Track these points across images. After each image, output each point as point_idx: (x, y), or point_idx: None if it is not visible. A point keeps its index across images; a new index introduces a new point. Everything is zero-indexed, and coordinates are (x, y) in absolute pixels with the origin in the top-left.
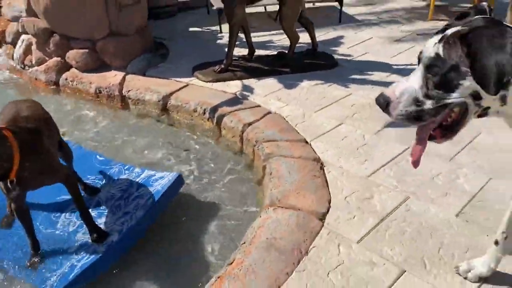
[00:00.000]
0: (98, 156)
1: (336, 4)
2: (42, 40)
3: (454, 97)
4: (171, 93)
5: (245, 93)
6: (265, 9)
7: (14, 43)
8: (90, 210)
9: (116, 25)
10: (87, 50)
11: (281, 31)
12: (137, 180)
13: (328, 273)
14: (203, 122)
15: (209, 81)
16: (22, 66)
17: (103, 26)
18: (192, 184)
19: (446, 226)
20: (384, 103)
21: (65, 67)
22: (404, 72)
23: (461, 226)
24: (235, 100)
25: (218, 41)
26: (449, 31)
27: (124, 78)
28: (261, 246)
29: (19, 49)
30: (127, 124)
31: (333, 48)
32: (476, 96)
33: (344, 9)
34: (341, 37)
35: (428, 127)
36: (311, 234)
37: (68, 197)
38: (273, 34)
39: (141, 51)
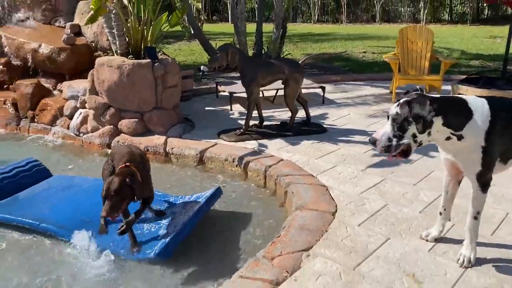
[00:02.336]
0: (158, 192)
1: (319, 90)
2: (99, 112)
3: (406, 138)
4: (206, 149)
5: (261, 148)
6: (263, 94)
7: (70, 116)
8: (158, 224)
9: (160, 101)
10: (136, 120)
11: (278, 109)
12: (189, 200)
13: (342, 240)
14: (232, 168)
15: (232, 141)
16: (77, 133)
17: (151, 102)
18: (229, 206)
19: (414, 217)
20: (373, 141)
21: (117, 132)
22: None
23: (422, 217)
24: (255, 152)
25: (231, 116)
26: (401, 100)
27: (166, 140)
28: (296, 228)
29: (76, 120)
30: (172, 173)
31: (321, 121)
32: (414, 136)
33: (325, 95)
34: (326, 113)
35: (392, 153)
36: (327, 222)
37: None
38: (272, 111)
39: (176, 121)
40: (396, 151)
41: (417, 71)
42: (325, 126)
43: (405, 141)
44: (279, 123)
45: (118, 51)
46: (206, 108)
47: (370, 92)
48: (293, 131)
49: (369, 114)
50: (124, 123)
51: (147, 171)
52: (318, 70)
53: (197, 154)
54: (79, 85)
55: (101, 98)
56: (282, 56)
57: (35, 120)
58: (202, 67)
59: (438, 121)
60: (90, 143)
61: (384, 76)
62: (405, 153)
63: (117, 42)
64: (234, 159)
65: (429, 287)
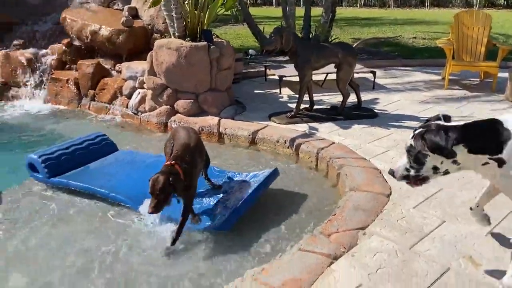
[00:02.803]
0: (215, 168)
1: (369, 75)
2: (157, 92)
3: (424, 170)
4: (258, 130)
5: (312, 131)
6: (311, 78)
7: (129, 96)
8: (217, 198)
9: (215, 83)
10: (192, 100)
11: (327, 93)
12: (246, 178)
13: (397, 220)
14: (284, 149)
15: (283, 123)
16: (136, 112)
17: (206, 84)
18: (281, 185)
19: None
20: (391, 173)
21: (173, 112)
22: None
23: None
24: (306, 135)
25: (280, 99)
26: (416, 132)
27: (219, 121)
28: (351, 208)
29: (134, 99)
30: (226, 152)
31: (372, 106)
32: (435, 168)
33: (375, 80)
34: (377, 98)
35: (412, 183)
36: (382, 203)
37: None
38: (321, 95)
39: (229, 103)
40: (415, 182)
41: (472, 57)
42: (376, 111)
43: (423, 173)
44: (329, 107)
45: (176, 34)
46: (256, 91)
47: (421, 78)
48: (344, 115)
49: (420, 100)
50: (180, 104)
51: (196, 164)
52: (367, 55)
53: (249, 135)
54: (138, 66)
55: (159, 79)
56: (330, 40)
57: (95, 98)
58: (250, 51)
59: (461, 149)
60: (148, 121)
61: (436, 62)
62: (425, 180)
63: (175, 25)
64: (285, 140)
65: (488, 268)
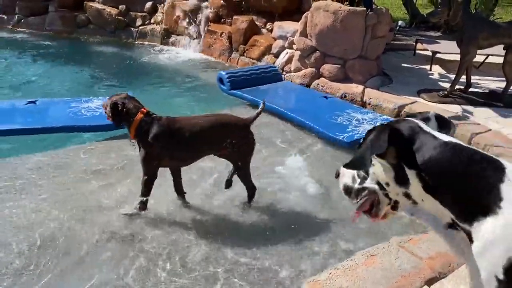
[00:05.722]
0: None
1: None
2: (305, 54)
3: (368, 183)
4: (405, 105)
5: (465, 114)
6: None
7: (277, 55)
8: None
9: (365, 50)
10: (338, 66)
11: (484, 76)
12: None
13: None
14: None
15: (433, 102)
16: (281, 70)
17: (356, 50)
18: None
19: None
20: (337, 174)
21: (317, 76)
22: None
23: None
24: (459, 117)
25: (430, 76)
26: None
27: (364, 89)
28: None
29: (282, 59)
30: None
31: None
32: (380, 185)
33: None
34: None
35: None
36: None
37: None
38: (477, 78)
39: (376, 73)
40: (358, 201)
41: None
42: None
43: (367, 186)
44: (487, 91)
45: None
46: (403, 65)
47: None
48: (505, 102)
49: None
50: (326, 68)
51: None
52: None
53: (395, 109)
54: (289, 26)
55: (310, 41)
56: (491, 19)
57: (245, 54)
58: (399, 22)
59: (415, 180)
60: (291, 81)
61: None
62: (372, 208)
63: None
64: None
65: None
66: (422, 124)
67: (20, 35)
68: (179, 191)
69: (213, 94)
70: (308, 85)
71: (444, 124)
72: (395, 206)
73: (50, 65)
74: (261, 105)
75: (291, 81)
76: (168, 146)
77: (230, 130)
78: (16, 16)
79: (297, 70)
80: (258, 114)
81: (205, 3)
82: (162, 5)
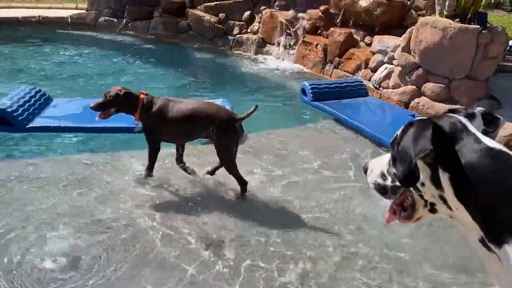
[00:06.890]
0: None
1: None
2: (406, 70)
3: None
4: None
5: None
6: None
7: (374, 69)
8: None
9: (474, 71)
10: (442, 85)
11: None
12: None
13: None
14: None
15: None
16: (378, 86)
17: (464, 70)
18: None
19: None
20: (365, 170)
21: (418, 94)
22: None
23: None
24: None
25: None
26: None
27: None
28: None
29: (380, 74)
30: None
31: None
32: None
33: None
34: None
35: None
36: None
37: None
38: None
39: (483, 95)
40: (398, 203)
41: None
42: None
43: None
44: None
45: (444, 12)
46: None
47: None
48: None
49: None
50: (429, 87)
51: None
52: None
53: (504, 136)
54: (390, 41)
55: (412, 57)
56: None
57: (339, 67)
58: (511, 42)
59: (448, 184)
60: (388, 98)
61: None
62: (408, 208)
63: (446, 3)
64: None
65: None
66: (466, 122)
67: (126, 37)
68: (180, 161)
69: (300, 106)
70: (407, 103)
71: (491, 121)
72: (432, 208)
73: (150, 67)
74: (253, 107)
75: (388, 98)
76: (162, 122)
77: (213, 118)
78: (124, 20)
79: (396, 86)
80: (249, 114)
81: (302, 14)
82: (260, 14)
